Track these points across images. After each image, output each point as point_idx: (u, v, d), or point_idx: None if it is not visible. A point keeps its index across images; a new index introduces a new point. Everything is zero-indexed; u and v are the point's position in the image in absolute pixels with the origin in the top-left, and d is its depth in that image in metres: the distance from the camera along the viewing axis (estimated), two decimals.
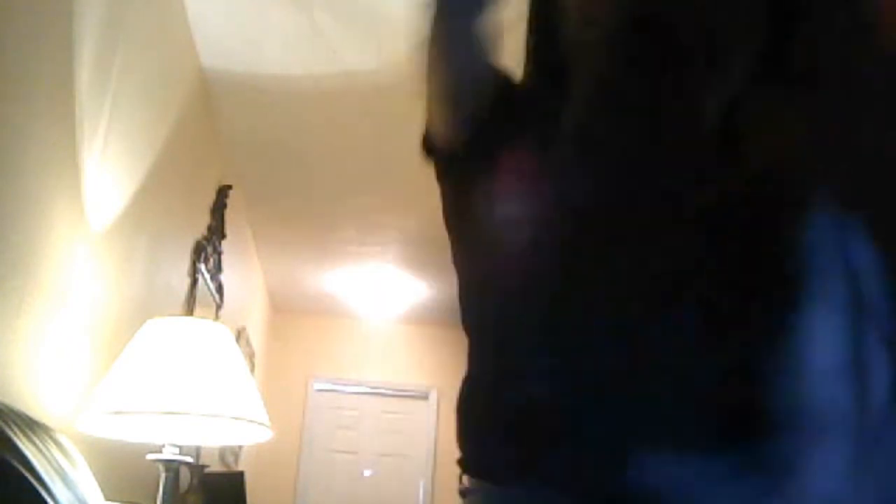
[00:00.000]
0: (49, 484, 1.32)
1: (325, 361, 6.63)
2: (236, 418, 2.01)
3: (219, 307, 3.93)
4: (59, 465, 1.48)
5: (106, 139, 2.18)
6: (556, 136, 0.96)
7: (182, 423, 2.09)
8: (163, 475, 2.10)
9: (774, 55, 0.87)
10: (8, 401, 1.54)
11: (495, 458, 0.90)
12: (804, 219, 0.81)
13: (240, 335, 4.63)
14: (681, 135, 0.88)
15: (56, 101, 1.88)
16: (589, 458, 0.84)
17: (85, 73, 1.99)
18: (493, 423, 0.91)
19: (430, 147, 1.07)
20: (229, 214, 3.92)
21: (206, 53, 3.19)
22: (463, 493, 0.92)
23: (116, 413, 1.91)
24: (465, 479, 0.93)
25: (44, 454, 1.42)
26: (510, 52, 1.05)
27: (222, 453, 4.33)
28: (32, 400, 1.77)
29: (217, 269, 3.83)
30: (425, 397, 6.60)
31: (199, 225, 3.54)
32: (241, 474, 3.52)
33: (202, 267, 3.51)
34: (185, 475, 2.65)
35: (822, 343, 0.79)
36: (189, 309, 3.32)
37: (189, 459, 2.20)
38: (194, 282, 3.40)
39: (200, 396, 1.93)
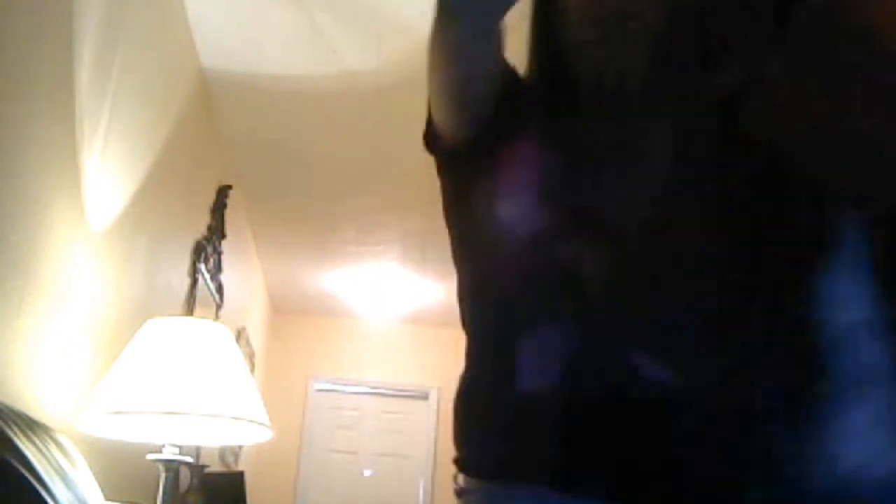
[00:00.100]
0: (49, 484, 1.32)
1: (325, 361, 6.63)
2: (236, 418, 2.01)
3: (219, 307, 3.93)
4: (59, 465, 1.48)
5: (106, 139, 2.18)
6: (564, 134, 0.96)
7: (182, 423, 2.09)
8: (163, 475, 2.10)
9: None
10: (8, 401, 1.54)
11: (494, 457, 0.90)
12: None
13: (240, 335, 4.63)
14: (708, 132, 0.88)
15: (56, 101, 1.88)
16: (587, 456, 0.84)
17: (85, 73, 1.99)
18: (493, 422, 0.91)
19: (431, 140, 1.06)
20: (229, 214, 3.92)
21: (206, 53, 3.19)
22: (458, 494, 0.92)
23: (116, 413, 1.91)
24: (461, 478, 0.93)
25: (44, 454, 1.42)
26: (512, 51, 1.05)
27: (222, 453, 4.33)
28: (32, 400, 1.77)
29: (217, 269, 3.83)
30: (425, 397, 6.60)
31: (199, 225, 3.54)
32: (241, 474, 3.52)
33: (202, 267, 3.51)
34: (185, 475, 2.65)
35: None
36: (189, 309, 3.32)
37: (189, 459, 2.20)
38: (194, 282, 3.40)
39: (200, 396, 1.93)
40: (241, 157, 4.04)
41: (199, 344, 2.04)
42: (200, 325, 2.13)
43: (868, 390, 0.81)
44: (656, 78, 0.95)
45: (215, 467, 3.83)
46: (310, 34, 3.02)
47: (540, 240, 0.92)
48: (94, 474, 1.73)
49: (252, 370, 4.78)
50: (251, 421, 2.03)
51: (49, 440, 1.53)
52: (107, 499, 1.75)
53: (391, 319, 6.47)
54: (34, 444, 1.41)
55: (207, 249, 3.59)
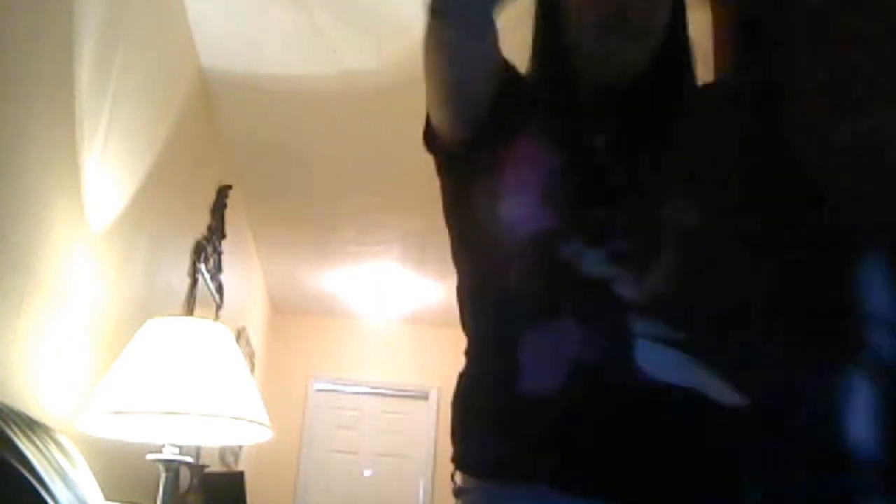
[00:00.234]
0: (49, 484, 1.32)
1: (325, 361, 6.63)
2: (236, 418, 2.01)
3: (219, 307, 3.93)
4: (59, 465, 1.48)
5: (106, 139, 2.18)
6: (567, 133, 0.96)
7: (182, 423, 2.09)
8: (163, 475, 2.10)
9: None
10: (8, 401, 1.54)
11: (493, 456, 0.90)
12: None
13: (240, 335, 4.63)
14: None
15: (56, 101, 1.88)
16: (587, 456, 0.84)
17: (85, 73, 1.99)
18: (493, 422, 0.91)
19: (431, 140, 1.06)
20: (229, 214, 3.92)
21: (206, 53, 3.19)
22: (457, 493, 0.92)
23: (116, 413, 1.91)
24: (459, 477, 0.93)
25: (44, 454, 1.42)
26: (513, 50, 1.04)
27: (222, 453, 4.33)
28: (32, 400, 1.77)
29: (217, 269, 3.83)
30: (425, 397, 6.60)
31: (199, 225, 3.54)
32: (241, 474, 3.52)
33: (202, 267, 3.50)
34: (185, 475, 2.65)
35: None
36: (189, 309, 3.32)
37: (189, 459, 2.20)
38: (194, 282, 3.40)
39: (200, 396, 1.93)
40: (241, 157, 4.04)
41: (199, 344, 2.04)
42: (200, 325, 2.13)
43: (874, 389, 0.81)
44: (657, 77, 0.95)
45: (215, 467, 3.83)
46: (310, 34, 3.02)
47: (541, 240, 0.92)
48: (94, 474, 1.73)
49: (252, 370, 4.77)
50: (251, 421, 2.03)
51: (49, 440, 1.53)
52: (107, 499, 1.75)
53: (391, 319, 6.47)
54: (34, 444, 1.41)
55: (207, 249, 3.58)
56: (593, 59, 0.99)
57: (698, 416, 0.83)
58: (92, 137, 2.08)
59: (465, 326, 1.01)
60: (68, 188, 1.96)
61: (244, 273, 4.97)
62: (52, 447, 1.51)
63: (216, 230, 3.73)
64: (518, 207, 0.94)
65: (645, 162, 0.95)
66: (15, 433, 1.36)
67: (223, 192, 3.85)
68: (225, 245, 3.90)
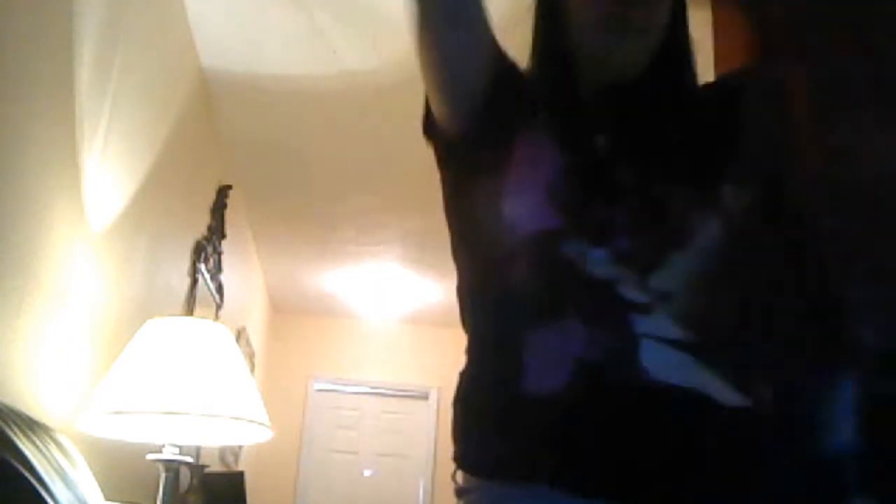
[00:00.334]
0: (49, 484, 1.32)
1: (325, 361, 6.63)
2: (236, 418, 2.01)
3: (219, 307, 3.93)
4: (59, 465, 1.48)
5: (106, 139, 2.18)
6: (568, 131, 0.95)
7: (182, 423, 2.09)
8: (163, 475, 2.10)
9: None
10: (8, 401, 1.54)
11: (494, 456, 0.89)
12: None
13: (240, 335, 4.63)
14: None
15: (56, 101, 1.88)
16: (587, 456, 0.84)
17: (85, 73, 1.99)
18: (493, 421, 0.91)
19: (430, 127, 1.05)
20: (229, 214, 3.92)
21: (206, 53, 3.19)
22: (459, 493, 0.92)
23: (116, 413, 1.91)
24: (461, 476, 0.93)
25: (44, 454, 1.42)
26: (514, 49, 1.04)
27: (222, 453, 4.33)
28: (32, 400, 1.77)
29: (217, 269, 3.83)
30: (425, 397, 6.60)
31: (199, 225, 3.54)
32: (241, 474, 3.52)
33: (202, 267, 3.50)
34: (185, 475, 2.65)
35: None
36: (189, 309, 3.32)
37: (189, 459, 2.20)
38: (194, 282, 3.40)
39: (200, 396, 1.93)
40: (241, 157, 4.04)
41: (199, 344, 2.04)
42: (200, 325, 2.13)
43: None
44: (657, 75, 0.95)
45: (215, 467, 3.82)
46: (310, 34, 3.02)
47: (543, 239, 0.91)
48: (94, 474, 1.73)
49: (252, 370, 4.77)
50: (251, 421, 2.03)
51: (49, 440, 1.52)
52: (107, 499, 1.75)
53: (391, 319, 6.47)
54: (34, 444, 1.41)
55: (207, 249, 3.58)
56: (594, 59, 0.98)
57: (699, 416, 0.83)
58: (92, 137, 2.08)
59: (465, 324, 1.00)
60: (68, 188, 1.96)
61: (244, 273, 4.97)
62: (52, 447, 1.51)
63: (216, 230, 3.73)
64: (519, 206, 0.93)
65: (646, 161, 0.95)
66: (15, 433, 1.36)
67: (223, 192, 3.85)
68: (225, 245, 3.90)
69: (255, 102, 3.53)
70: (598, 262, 0.88)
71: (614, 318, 0.86)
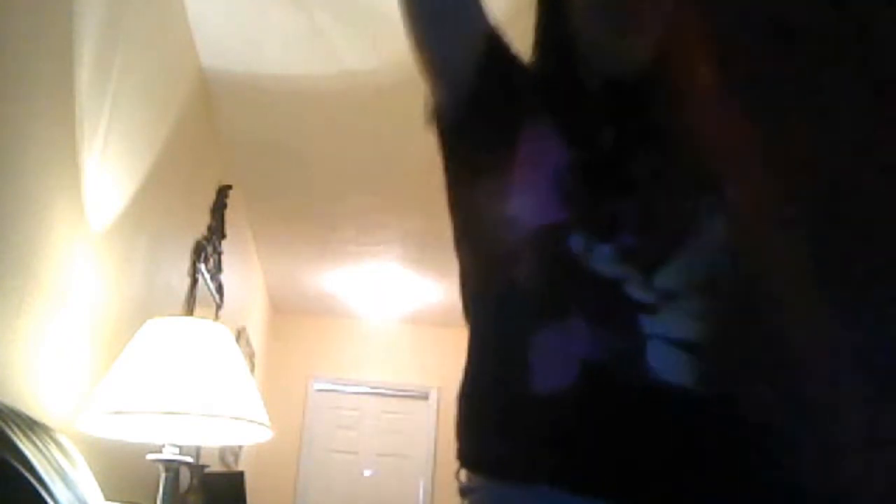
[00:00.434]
0: (49, 484, 1.32)
1: (325, 361, 6.63)
2: (236, 418, 2.01)
3: (219, 307, 3.92)
4: (59, 465, 1.48)
5: (106, 139, 2.18)
6: (570, 127, 0.94)
7: (182, 423, 2.09)
8: (163, 475, 2.10)
9: None
10: (8, 401, 1.54)
11: (495, 455, 0.89)
12: None
13: (240, 335, 4.63)
14: None
15: (56, 101, 1.88)
16: (587, 456, 0.84)
17: (85, 73, 1.99)
18: (494, 421, 0.91)
19: (432, 116, 1.04)
20: (229, 214, 3.92)
21: (206, 53, 3.19)
22: (463, 493, 0.92)
23: (116, 413, 1.91)
24: (464, 475, 0.92)
25: (44, 454, 1.42)
26: (516, 41, 1.03)
27: (222, 453, 4.33)
28: (32, 400, 1.77)
29: (217, 269, 3.83)
30: (425, 397, 6.60)
31: (199, 225, 3.54)
32: (241, 474, 3.52)
33: (202, 267, 3.50)
34: (185, 475, 2.65)
35: None
36: (189, 309, 3.32)
37: (189, 459, 2.20)
38: (194, 282, 3.40)
39: (200, 396, 1.93)
40: (241, 157, 4.04)
41: (199, 344, 2.04)
42: (200, 325, 2.12)
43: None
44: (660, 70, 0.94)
45: (215, 467, 3.83)
46: (310, 34, 3.02)
47: (548, 233, 0.90)
48: (94, 474, 1.73)
49: (252, 370, 4.77)
50: (251, 421, 2.03)
51: (49, 440, 1.52)
52: (107, 499, 1.75)
53: (391, 319, 6.47)
54: (34, 444, 1.41)
55: (207, 249, 3.58)
56: (596, 48, 0.97)
57: (701, 416, 0.83)
58: (92, 137, 2.08)
59: (466, 318, 0.99)
60: (68, 188, 1.96)
61: (244, 273, 4.97)
62: (52, 447, 1.51)
63: (216, 230, 3.73)
64: (524, 199, 0.92)
65: (653, 155, 0.94)
66: (15, 433, 1.36)
67: (223, 192, 3.85)
68: (225, 245, 3.90)
69: (255, 102, 3.53)
70: (603, 258, 0.87)
71: (621, 319, 0.86)
